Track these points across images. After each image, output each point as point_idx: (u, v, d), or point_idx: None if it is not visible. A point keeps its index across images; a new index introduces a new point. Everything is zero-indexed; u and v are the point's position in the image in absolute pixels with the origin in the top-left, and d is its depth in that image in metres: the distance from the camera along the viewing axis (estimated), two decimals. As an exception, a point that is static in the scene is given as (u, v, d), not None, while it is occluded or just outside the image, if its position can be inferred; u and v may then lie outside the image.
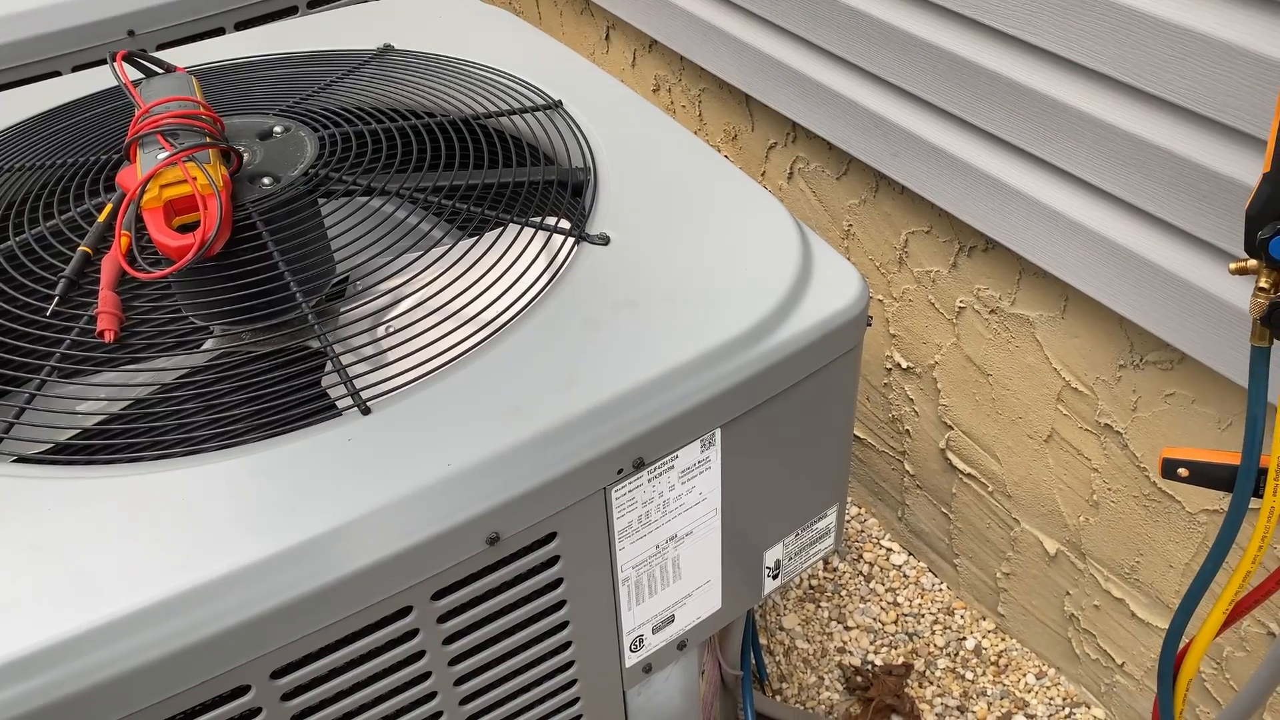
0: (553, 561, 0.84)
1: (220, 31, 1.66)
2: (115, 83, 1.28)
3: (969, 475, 1.72)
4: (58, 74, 1.54)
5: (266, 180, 0.93)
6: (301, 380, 0.86)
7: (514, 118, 1.16)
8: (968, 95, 1.33)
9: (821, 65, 1.56)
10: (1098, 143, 1.20)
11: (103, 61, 1.56)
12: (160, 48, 1.62)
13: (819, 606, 1.89)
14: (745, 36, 1.70)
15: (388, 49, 1.29)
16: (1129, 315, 1.26)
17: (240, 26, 1.67)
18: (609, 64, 2.23)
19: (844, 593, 1.91)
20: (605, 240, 0.98)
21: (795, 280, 0.93)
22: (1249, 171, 1.08)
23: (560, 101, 1.19)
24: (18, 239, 0.96)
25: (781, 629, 1.85)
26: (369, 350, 0.93)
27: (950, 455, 1.74)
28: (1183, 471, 0.90)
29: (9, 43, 1.49)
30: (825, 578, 1.94)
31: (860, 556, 1.98)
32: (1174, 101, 1.11)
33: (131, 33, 1.59)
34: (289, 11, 1.70)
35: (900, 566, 1.96)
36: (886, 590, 1.92)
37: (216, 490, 0.75)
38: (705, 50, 1.82)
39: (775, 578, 1.09)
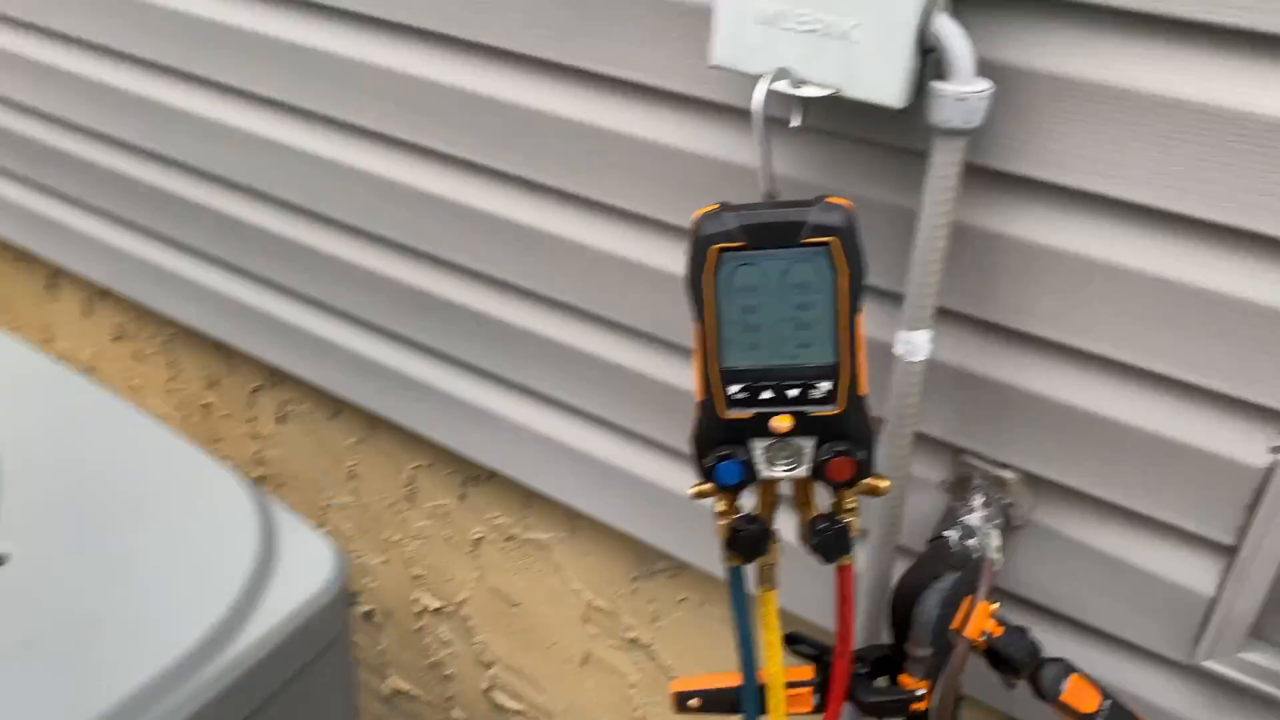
0: None
1: None
2: None
3: (518, 712, 1.63)
4: None
5: None
6: None
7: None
8: (435, 326, 1.30)
9: (291, 306, 1.47)
10: (565, 366, 1.21)
11: None
12: None
13: None
14: (208, 282, 1.57)
15: None
16: (625, 528, 1.27)
17: None
18: (59, 313, 1.97)
19: None
20: (1, 560, 0.78)
21: (253, 572, 0.80)
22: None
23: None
24: None
25: None
26: None
27: (496, 693, 1.64)
28: (694, 703, 0.87)
29: None
30: None
31: (420, 823, 1.78)
32: (629, 325, 1.14)
33: None
34: None
35: (464, 823, 1.79)
36: None
37: None
38: (168, 298, 1.66)
39: None
